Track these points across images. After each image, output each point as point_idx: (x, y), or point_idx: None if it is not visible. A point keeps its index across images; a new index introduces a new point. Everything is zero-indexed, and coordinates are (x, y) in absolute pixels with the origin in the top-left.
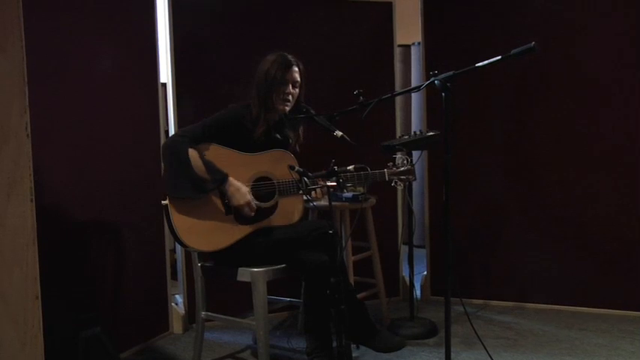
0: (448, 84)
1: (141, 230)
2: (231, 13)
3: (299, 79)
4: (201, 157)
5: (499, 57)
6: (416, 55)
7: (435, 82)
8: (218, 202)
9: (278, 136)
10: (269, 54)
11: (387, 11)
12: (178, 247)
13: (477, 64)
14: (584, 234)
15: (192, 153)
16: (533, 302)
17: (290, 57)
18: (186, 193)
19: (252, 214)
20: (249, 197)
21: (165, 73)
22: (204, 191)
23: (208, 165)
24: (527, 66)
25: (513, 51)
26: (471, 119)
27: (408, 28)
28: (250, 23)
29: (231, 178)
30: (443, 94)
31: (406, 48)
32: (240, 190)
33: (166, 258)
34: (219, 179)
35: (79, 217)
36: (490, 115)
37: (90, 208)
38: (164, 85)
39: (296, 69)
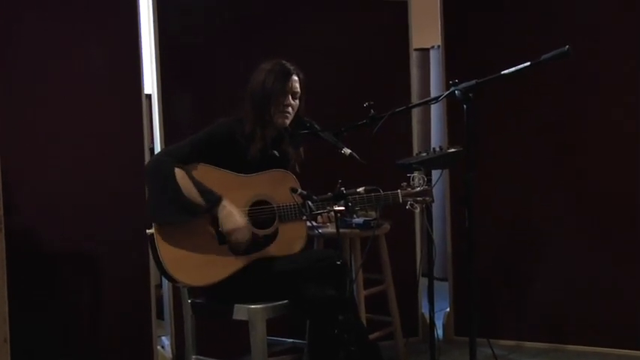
0: (470, 94)
1: (122, 263)
2: (225, 14)
3: (299, 89)
4: (190, 176)
5: (528, 63)
6: (435, 60)
7: (456, 92)
8: (210, 230)
9: (276, 153)
10: (264, 62)
11: (402, 11)
12: (165, 282)
13: (502, 72)
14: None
15: (180, 173)
16: (573, 343)
17: (288, 65)
18: (174, 217)
19: (244, 239)
20: (242, 220)
21: (150, 82)
22: (193, 214)
23: (199, 185)
24: (568, 71)
25: (544, 56)
26: (499, 133)
27: (426, 29)
28: (248, 26)
29: (225, 201)
30: (464, 105)
31: (424, 52)
32: (233, 214)
33: (151, 294)
34: (212, 200)
35: (50, 247)
36: (523, 128)
37: (63, 238)
38: (149, 96)
39: (296, 78)
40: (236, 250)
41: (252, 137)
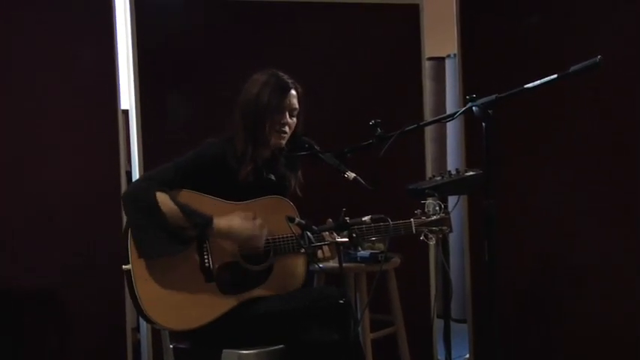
0: (490, 111)
1: (94, 303)
2: (214, 21)
3: (297, 105)
4: (174, 200)
5: (555, 76)
6: (451, 71)
7: (473, 108)
8: (195, 265)
9: (272, 177)
10: (258, 73)
11: (413, 15)
12: (143, 325)
13: (526, 85)
14: None
15: (162, 197)
16: None
17: (286, 77)
18: (161, 249)
19: (262, 244)
20: (248, 232)
21: (128, 97)
22: (184, 242)
23: (184, 208)
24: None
25: (573, 68)
26: (529, 152)
27: (441, 35)
28: (237, 34)
29: (216, 220)
30: (483, 123)
31: (439, 61)
32: (232, 228)
33: (127, 339)
34: (201, 223)
35: (13, 284)
36: (558, 146)
37: (28, 274)
38: (126, 112)
39: (294, 93)
40: (225, 288)
41: (244, 158)
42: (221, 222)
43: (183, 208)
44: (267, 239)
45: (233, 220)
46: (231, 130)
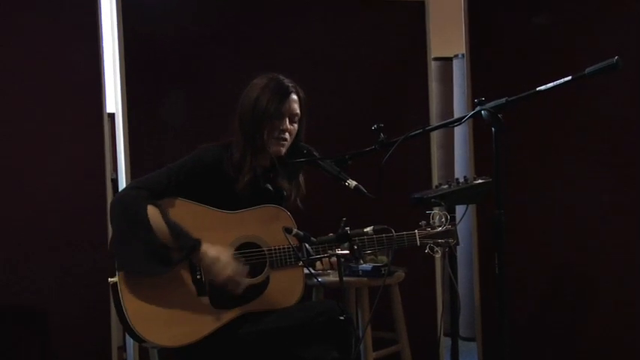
0: (499, 115)
1: (77, 319)
2: (205, 21)
3: (299, 110)
4: (165, 216)
5: (569, 77)
6: (459, 72)
7: (482, 112)
8: (187, 278)
9: (269, 186)
10: (258, 77)
11: (418, 13)
12: (130, 342)
13: (538, 88)
14: None
15: (153, 212)
16: None
17: (287, 81)
18: (144, 267)
19: (240, 290)
20: (231, 269)
21: (114, 99)
22: (168, 264)
23: (173, 227)
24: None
25: (589, 69)
26: (537, 159)
27: (448, 34)
28: (229, 34)
29: (205, 245)
30: (493, 128)
31: (446, 62)
32: (219, 260)
33: (113, 357)
34: (188, 247)
35: None
36: (576, 152)
37: (6, 289)
38: (111, 116)
39: (295, 97)
40: (219, 303)
41: (242, 167)
42: (209, 250)
43: (172, 227)
44: (263, 250)
45: (223, 253)
46: (229, 137)
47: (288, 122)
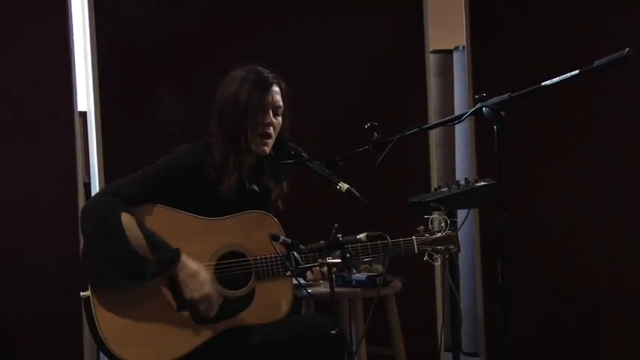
0: (502, 112)
1: (46, 336)
2: (185, 11)
3: (282, 102)
4: (141, 225)
5: (576, 71)
6: (459, 66)
7: (484, 109)
8: (166, 292)
9: (255, 187)
10: (235, 69)
11: (416, 3)
12: None
13: (543, 83)
14: None
15: (128, 220)
16: None
17: (266, 72)
18: (118, 280)
19: (213, 314)
20: (210, 287)
21: (86, 96)
22: (144, 277)
23: (151, 238)
24: None
25: (597, 62)
26: (542, 160)
27: (448, 26)
28: (212, 26)
29: (184, 257)
30: (495, 126)
31: (446, 55)
32: (198, 276)
33: None
34: (166, 259)
35: None
36: (589, 149)
37: None
38: (83, 114)
39: (277, 89)
40: (201, 318)
41: (224, 168)
42: (189, 263)
43: (149, 237)
44: (248, 260)
45: (203, 268)
46: (209, 136)
47: (272, 115)
